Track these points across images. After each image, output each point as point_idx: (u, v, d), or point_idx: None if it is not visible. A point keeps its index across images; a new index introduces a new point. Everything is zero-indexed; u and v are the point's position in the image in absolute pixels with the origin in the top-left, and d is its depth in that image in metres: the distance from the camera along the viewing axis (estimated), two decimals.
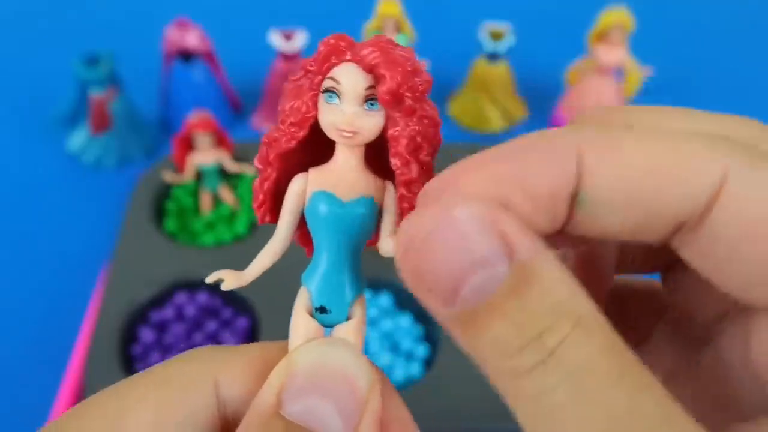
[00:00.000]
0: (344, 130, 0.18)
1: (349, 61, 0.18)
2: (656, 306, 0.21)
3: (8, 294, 0.59)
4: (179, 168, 0.62)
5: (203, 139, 0.60)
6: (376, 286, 0.55)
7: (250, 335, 0.54)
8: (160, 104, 0.76)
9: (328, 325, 0.20)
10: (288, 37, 0.69)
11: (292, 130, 0.19)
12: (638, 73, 0.71)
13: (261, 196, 0.19)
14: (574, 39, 0.74)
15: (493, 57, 0.72)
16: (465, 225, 0.14)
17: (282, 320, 0.56)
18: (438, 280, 0.14)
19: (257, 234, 0.60)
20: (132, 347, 0.52)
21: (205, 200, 0.63)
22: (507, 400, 0.15)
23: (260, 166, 0.19)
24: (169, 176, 0.62)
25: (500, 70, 0.73)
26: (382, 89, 0.18)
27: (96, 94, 0.66)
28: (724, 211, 0.15)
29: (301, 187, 0.19)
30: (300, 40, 0.69)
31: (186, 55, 0.70)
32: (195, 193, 0.64)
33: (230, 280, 0.19)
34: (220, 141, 0.62)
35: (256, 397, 0.17)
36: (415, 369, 0.51)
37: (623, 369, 0.14)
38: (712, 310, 0.18)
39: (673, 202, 0.15)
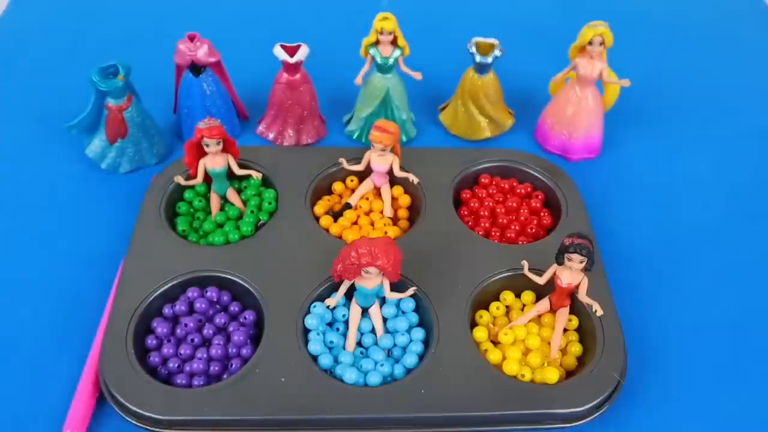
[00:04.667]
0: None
1: (374, 265, 0.51)
2: None
3: (31, 288, 0.60)
4: (190, 172, 0.64)
5: (212, 145, 0.61)
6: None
7: (257, 328, 0.55)
8: (173, 113, 0.77)
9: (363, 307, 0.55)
10: (291, 52, 0.71)
11: (348, 276, 0.53)
12: (617, 85, 0.73)
13: (333, 272, 0.53)
14: (558, 52, 0.77)
15: (481, 68, 0.74)
16: None
17: (285, 314, 0.59)
18: None
19: (261, 234, 0.60)
20: (147, 339, 0.54)
21: (214, 202, 0.64)
22: None
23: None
24: (180, 180, 0.64)
25: (488, 81, 0.75)
26: (385, 276, 0.54)
27: (113, 104, 0.67)
28: None
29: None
30: (302, 53, 0.70)
31: (196, 67, 0.71)
32: (205, 196, 0.65)
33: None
34: (228, 147, 0.63)
35: None
36: (413, 360, 0.53)
37: None
38: None
39: None
